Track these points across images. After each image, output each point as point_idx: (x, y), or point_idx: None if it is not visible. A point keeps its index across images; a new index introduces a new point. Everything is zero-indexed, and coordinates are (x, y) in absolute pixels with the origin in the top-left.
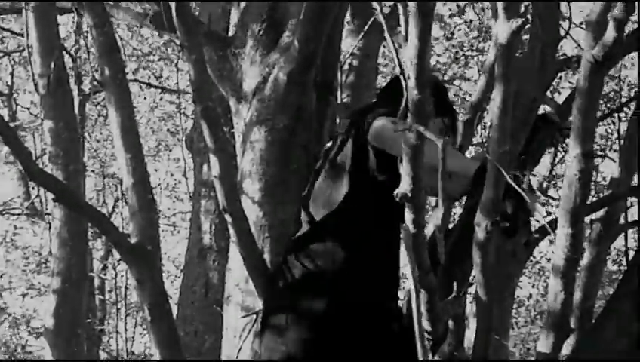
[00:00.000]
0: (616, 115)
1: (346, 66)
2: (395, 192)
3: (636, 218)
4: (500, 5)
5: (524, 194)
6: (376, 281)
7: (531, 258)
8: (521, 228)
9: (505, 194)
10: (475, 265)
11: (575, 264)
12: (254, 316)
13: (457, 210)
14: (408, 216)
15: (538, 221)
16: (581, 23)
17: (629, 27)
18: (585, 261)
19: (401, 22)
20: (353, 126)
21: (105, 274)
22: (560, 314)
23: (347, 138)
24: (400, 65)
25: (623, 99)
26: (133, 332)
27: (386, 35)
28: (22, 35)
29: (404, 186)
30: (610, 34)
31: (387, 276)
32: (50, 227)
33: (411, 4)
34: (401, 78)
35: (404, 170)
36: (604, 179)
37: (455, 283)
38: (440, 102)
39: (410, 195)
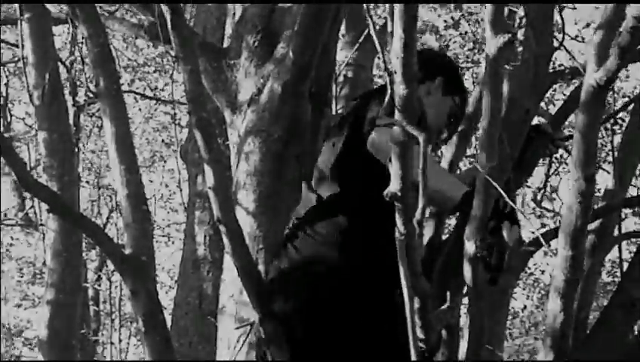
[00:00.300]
0: (610, 126)
1: (341, 78)
2: (384, 192)
3: (631, 229)
4: (487, 20)
5: (511, 206)
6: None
7: (526, 269)
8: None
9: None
10: (466, 278)
11: (575, 285)
12: (249, 327)
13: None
14: (399, 217)
15: (533, 232)
16: (576, 36)
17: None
18: None
19: (388, 17)
20: (349, 121)
21: (99, 285)
22: (559, 335)
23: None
24: (385, 62)
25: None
26: (128, 343)
27: (377, 44)
28: (17, 46)
29: (394, 185)
30: (613, 60)
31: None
32: (44, 238)
33: None
34: (387, 74)
35: (393, 168)
36: (598, 190)
37: (449, 294)
38: (451, 79)
39: (399, 194)
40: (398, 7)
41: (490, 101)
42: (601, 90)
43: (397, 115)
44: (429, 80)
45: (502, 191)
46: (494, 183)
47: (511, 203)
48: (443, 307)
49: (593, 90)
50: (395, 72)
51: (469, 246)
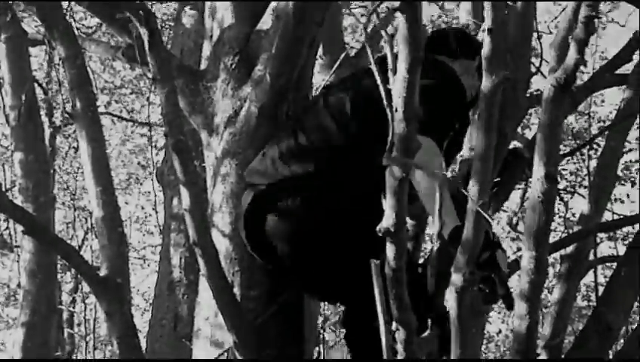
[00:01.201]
0: (585, 152)
1: None
2: (377, 227)
3: (606, 254)
4: (484, 58)
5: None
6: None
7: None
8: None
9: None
10: (451, 310)
11: (540, 287)
12: (225, 354)
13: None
14: (390, 251)
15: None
16: None
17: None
18: (554, 296)
19: (388, 53)
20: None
21: (74, 307)
22: (525, 338)
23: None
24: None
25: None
26: None
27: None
28: None
29: (388, 221)
30: (571, 56)
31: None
32: (19, 259)
33: (401, 32)
34: (388, 111)
35: (388, 203)
36: (573, 215)
37: (430, 321)
38: (470, 44)
39: (392, 230)
40: (402, 47)
41: (484, 138)
42: (561, 88)
43: (394, 153)
44: (468, 58)
45: (490, 220)
46: (487, 216)
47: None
48: (424, 335)
49: (554, 89)
50: (396, 110)
51: (457, 279)
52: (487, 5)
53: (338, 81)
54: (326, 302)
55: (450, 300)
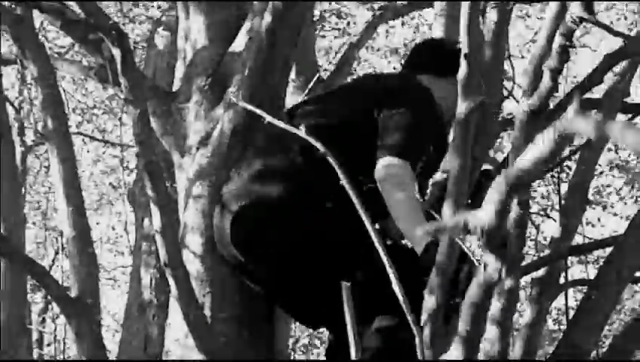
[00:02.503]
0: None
1: None
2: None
3: (577, 277)
4: (459, 82)
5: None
6: None
7: None
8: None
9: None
10: (425, 330)
11: (511, 311)
12: None
13: None
14: None
15: None
16: None
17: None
18: (525, 319)
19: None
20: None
21: (44, 328)
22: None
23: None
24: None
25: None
26: None
27: None
28: None
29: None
30: (544, 84)
31: None
32: None
33: None
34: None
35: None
36: (545, 238)
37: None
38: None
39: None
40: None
41: (459, 161)
42: (533, 115)
43: None
44: (451, 75)
45: (464, 247)
46: (460, 242)
47: (468, 252)
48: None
49: (526, 116)
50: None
51: (430, 301)
52: (462, 30)
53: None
54: (311, 327)
55: (423, 322)
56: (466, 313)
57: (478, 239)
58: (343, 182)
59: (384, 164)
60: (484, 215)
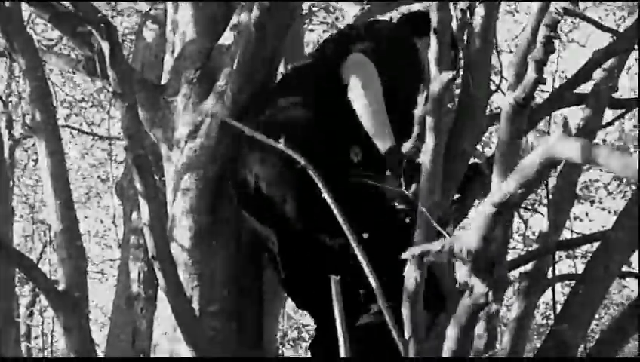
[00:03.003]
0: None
1: None
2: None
3: (565, 272)
4: (431, 58)
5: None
6: None
7: None
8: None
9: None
10: (404, 318)
11: (497, 304)
12: None
13: None
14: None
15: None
16: None
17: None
18: (513, 314)
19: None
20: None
21: (31, 321)
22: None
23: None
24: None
25: None
26: None
27: None
28: None
29: None
30: (530, 75)
31: None
32: None
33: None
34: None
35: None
36: (533, 233)
37: None
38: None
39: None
40: None
41: (433, 140)
42: (520, 108)
43: None
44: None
45: (440, 229)
46: (432, 220)
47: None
48: None
49: (512, 108)
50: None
51: (409, 284)
52: (432, 6)
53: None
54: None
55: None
56: (451, 334)
57: (465, 263)
58: (325, 195)
59: (353, 58)
60: (470, 239)
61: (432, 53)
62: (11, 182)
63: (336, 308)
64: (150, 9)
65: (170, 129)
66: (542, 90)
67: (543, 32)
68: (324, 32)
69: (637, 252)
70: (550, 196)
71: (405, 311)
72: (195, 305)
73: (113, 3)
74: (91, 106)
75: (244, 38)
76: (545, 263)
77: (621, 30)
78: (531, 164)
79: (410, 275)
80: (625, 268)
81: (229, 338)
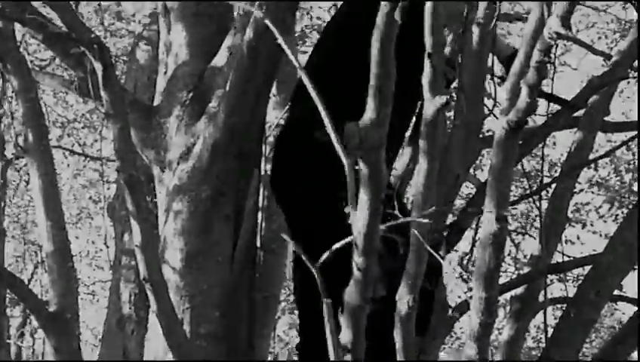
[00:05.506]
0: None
1: (271, 138)
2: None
3: (556, 295)
4: (425, 82)
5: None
6: None
7: (452, 334)
8: None
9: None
10: (397, 340)
11: (490, 328)
12: None
13: None
14: None
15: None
16: None
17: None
18: (504, 336)
19: (348, 179)
20: None
21: (22, 342)
22: None
23: None
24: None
25: (545, 178)
26: None
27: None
28: None
29: (345, 338)
30: (523, 99)
31: None
32: None
33: (364, 174)
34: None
35: (345, 322)
36: (524, 256)
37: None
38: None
39: (349, 347)
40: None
41: (426, 160)
42: (513, 131)
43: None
44: None
45: (432, 251)
46: (425, 244)
47: (441, 260)
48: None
49: (505, 132)
50: (357, 246)
51: (402, 306)
52: (426, 30)
53: None
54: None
55: (395, 329)
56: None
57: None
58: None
59: None
60: None
61: (426, 77)
62: (3, 203)
63: (327, 329)
64: (143, 30)
65: (163, 150)
66: (535, 114)
67: (536, 56)
68: None
69: (628, 275)
70: (542, 219)
71: (398, 336)
72: (187, 327)
73: (106, 24)
74: (83, 127)
75: (237, 60)
76: (536, 286)
77: (613, 53)
78: None
79: (404, 298)
80: (616, 292)
81: (220, 360)
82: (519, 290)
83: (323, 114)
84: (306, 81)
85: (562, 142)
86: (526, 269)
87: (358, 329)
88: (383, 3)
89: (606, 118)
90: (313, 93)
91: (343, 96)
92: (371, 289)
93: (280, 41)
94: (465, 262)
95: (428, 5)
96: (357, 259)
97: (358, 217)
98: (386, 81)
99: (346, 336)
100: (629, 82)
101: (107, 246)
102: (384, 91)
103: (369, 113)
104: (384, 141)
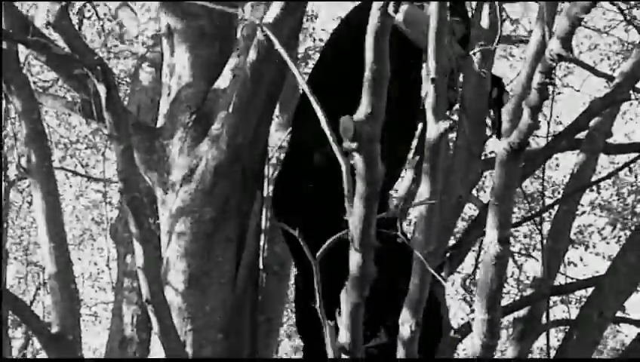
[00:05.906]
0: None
1: (274, 160)
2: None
3: (559, 317)
4: (428, 107)
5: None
6: None
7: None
8: None
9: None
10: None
11: (492, 350)
12: None
13: None
14: None
15: (462, 318)
16: None
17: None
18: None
19: (344, 176)
20: None
21: None
22: None
23: None
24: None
25: (547, 200)
26: None
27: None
28: None
29: (343, 338)
30: (525, 121)
31: None
32: None
33: (359, 168)
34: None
35: (343, 321)
36: (527, 278)
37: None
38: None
39: (348, 349)
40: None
41: (429, 186)
42: (515, 153)
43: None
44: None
45: (437, 275)
46: (430, 268)
47: (443, 281)
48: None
49: (507, 153)
50: (352, 240)
51: (404, 330)
52: (430, 54)
53: None
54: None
55: (399, 351)
56: None
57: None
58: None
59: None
60: None
61: (429, 101)
62: (5, 224)
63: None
64: (146, 52)
65: (166, 172)
66: (536, 135)
67: (537, 78)
68: None
69: (631, 297)
70: (544, 241)
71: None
72: (189, 349)
73: (109, 46)
74: (86, 148)
75: (240, 82)
76: (539, 308)
77: (616, 75)
78: None
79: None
80: (619, 314)
81: None
82: (522, 312)
83: (324, 125)
84: (309, 95)
85: (565, 164)
86: (529, 291)
87: (356, 329)
88: None
89: (608, 140)
90: (317, 107)
91: (342, 108)
92: (368, 288)
93: (284, 55)
94: (467, 283)
95: (432, 29)
96: (353, 255)
97: (354, 211)
98: (380, 75)
99: (344, 337)
100: (631, 104)
101: (109, 268)
102: (378, 85)
103: (364, 107)
104: (379, 134)
